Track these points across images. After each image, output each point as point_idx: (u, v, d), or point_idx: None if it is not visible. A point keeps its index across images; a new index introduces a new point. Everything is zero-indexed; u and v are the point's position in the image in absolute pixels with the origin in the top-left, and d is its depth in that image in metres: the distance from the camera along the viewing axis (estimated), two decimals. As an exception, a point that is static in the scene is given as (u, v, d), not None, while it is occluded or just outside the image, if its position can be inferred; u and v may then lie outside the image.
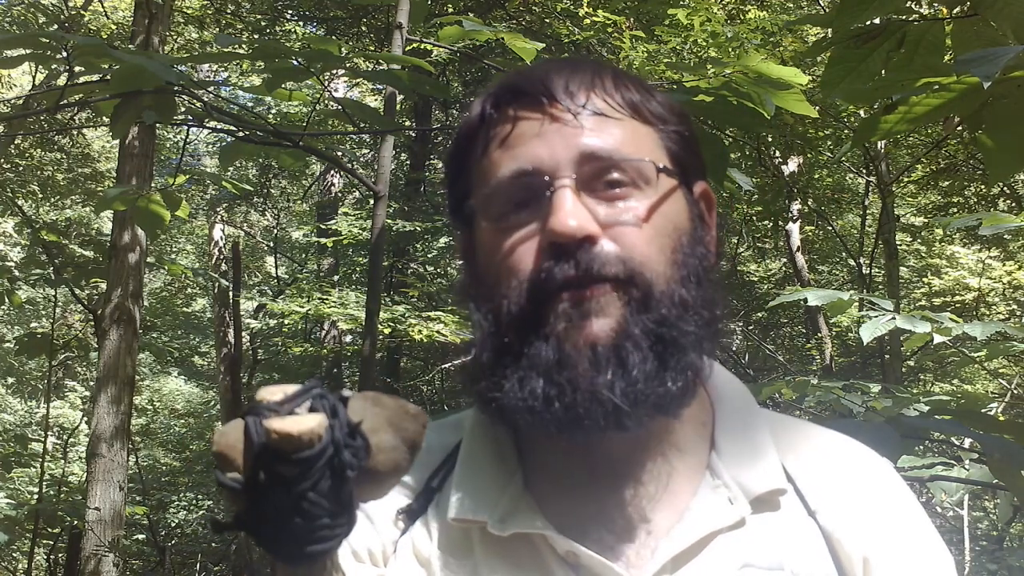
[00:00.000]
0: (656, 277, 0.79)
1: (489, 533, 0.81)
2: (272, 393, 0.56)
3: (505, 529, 0.81)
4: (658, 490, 0.82)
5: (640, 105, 0.84)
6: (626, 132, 0.82)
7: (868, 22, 1.89)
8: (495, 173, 0.82)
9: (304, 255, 14.82)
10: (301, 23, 11.64)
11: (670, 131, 0.86)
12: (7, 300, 6.57)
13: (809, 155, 8.88)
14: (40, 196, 12.62)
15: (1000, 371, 8.66)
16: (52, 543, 9.93)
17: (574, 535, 0.80)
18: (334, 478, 0.55)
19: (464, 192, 0.87)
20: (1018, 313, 10.52)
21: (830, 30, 1.99)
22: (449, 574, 0.82)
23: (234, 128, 2.70)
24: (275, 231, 15.14)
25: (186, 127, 3.29)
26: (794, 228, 9.91)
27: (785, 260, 11.30)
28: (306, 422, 0.54)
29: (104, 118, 2.47)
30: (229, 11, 11.04)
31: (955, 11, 1.91)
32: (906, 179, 10.17)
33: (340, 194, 13.39)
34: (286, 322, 10.50)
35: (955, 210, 9.80)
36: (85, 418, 9.78)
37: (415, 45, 3.11)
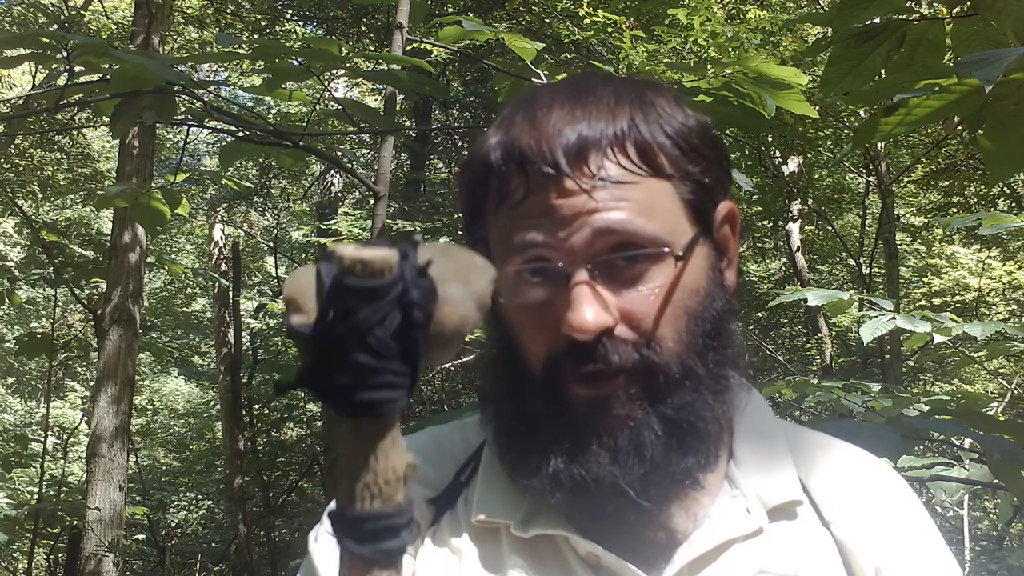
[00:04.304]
0: (672, 360, 0.79)
1: (512, 534, 0.83)
2: (343, 246, 0.55)
3: (527, 531, 0.82)
4: (677, 497, 0.84)
5: (656, 155, 0.80)
6: (641, 200, 0.79)
7: (868, 21, 1.89)
8: (508, 241, 0.81)
9: (304, 255, 14.81)
10: (301, 23, 11.64)
11: (688, 180, 0.82)
12: (7, 300, 6.57)
13: (809, 155, 8.88)
14: (40, 196, 12.61)
15: (1000, 371, 8.65)
16: (52, 543, 9.93)
17: (595, 538, 0.81)
18: (403, 318, 0.53)
19: (481, 237, 0.86)
20: (1018, 313, 10.52)
21: (830, 29, 1.99)
22: (479, 564, 0.84)
23: (234, 128, 2.70)
24: (275, 231, 15.13)
25: (186, 127, 3.29)
26: (794, 228, 9.91)
27: (785, 260, 11.30)
28: (379, 252, 0.53)
29: (104, 118, 2.47)
30: (229, 11, 11.04)
31: (955, 11, 1.91)
32: (906, 179, 10.17)
33: (340, 194, 13.38)
34: (286, 322, 10.48)
35: (955, 210, 9.80)
36: (85, 418, 9.78)
37: (415, 45, 3.11)
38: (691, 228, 0.82)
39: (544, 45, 2.69)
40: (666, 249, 0.79)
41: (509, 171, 0.81)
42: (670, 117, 0.82)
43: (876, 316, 2.98)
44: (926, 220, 11.53)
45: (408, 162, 11.51)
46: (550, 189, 0.78)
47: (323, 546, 0.88)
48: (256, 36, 10.47)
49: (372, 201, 2.83)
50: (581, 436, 0.79)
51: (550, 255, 0.79)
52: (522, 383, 0.82)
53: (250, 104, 8.56)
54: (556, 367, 0.80)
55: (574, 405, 0.79)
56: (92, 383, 8.67)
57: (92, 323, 7.35)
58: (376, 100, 11.46)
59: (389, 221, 8.28)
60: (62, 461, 11.00)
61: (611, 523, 0.82)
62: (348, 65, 2.51)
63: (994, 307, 10.60)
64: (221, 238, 14.44)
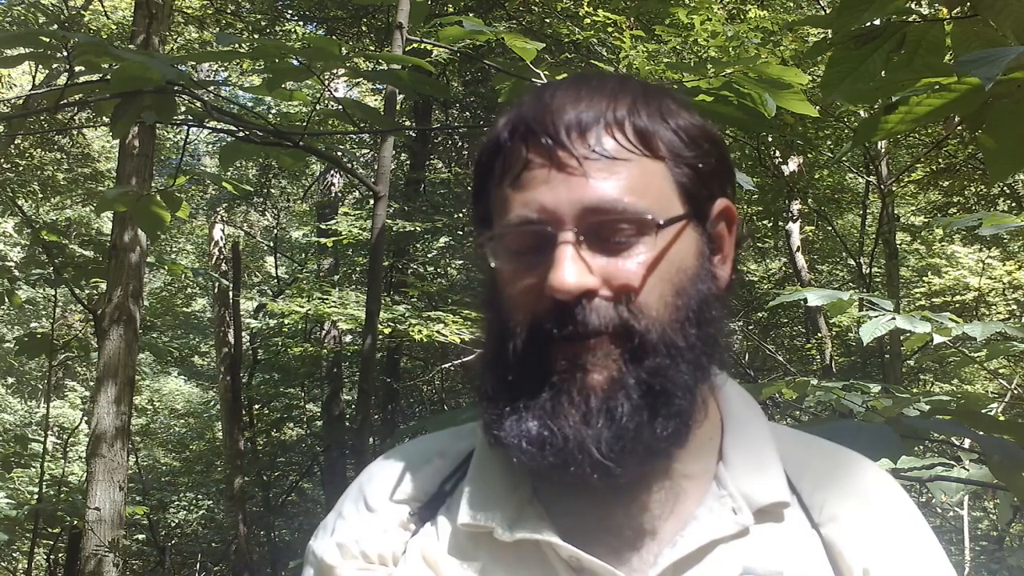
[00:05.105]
0: (651, 325, 0.81)
1: (496, 539, 0.83)
2: None
3: (511, 535, 0.83)
4: (664, 499, 0.84)
5: (652, 138, 0.84)
6: (633, 175, 0.82)
7: (868, 23, 1.89)
8: (506, 213, 0.84)
9: (304, 255, 14.82)
10: (301, 23, 11.64)
11: (683, 163, 0.85)
12: (7, 300, 6.57)
13: (809, 155, 8.88)
14: (40, 196, 12.62)
15: (1000, 371, 8.65)
16: (52, 543, 9.94)
17: (579, 541, 0.82)
18: None
19: (485, 215, 0.89)
20: (1018, 313, 10.52)
21: (830, 31, 1.99)
22: (454, 574, 0.84)
23: (234, 128, 2.70)
24: (275, 231, 15.14)
25: (186, 127, 3.29)
26: (794, 228, 9.92)
27: (785, 260, 11.30)
28: None
29: (104, 118, 2.47)
30: (229, 11, 11.05)
31: (955, 12, 1.91)
32: (906, 179, 10.17)
33: (340, 194, 13.39)
34: (286, 322, 10.49)
35: (955, 210, 9.80)
36: (85, 418, 9.78)
37: (415, 45, 3.11)
38: (681, 208, 0.85)
39: (544, 45, 2.70)
40: (649, 216, 0.81)
41: (514, 144, 0.85)
42: (673, 113, 0.86)
43: (876, 316, 2.98)
44: (926, 220, 11.53)
45: (408, 162, 11.51)
46: (547, 159, 0.82)
47: (309, 566, 0.91)
48: (256, 36, 10.47)
49: (372, 201, 2.84)
50: (556, 397, 0.80)
51: (540, 220, 0.82)
52: (508, 352, 0.83)
53: (250, 104, 8.56)
54: (539, 330, 0.81)
55: (553, 368, 0.81)
56: (92, 383, 8.67)
57: (92, 323, 7.35)
58: (376, 100, 11.47)
59: (389, 221, 8.27)
60: (62, 461, 11.00)
61: (596, 525, 0.83)
62: (348, 65, 2.50)
63: (994, 307, 10.60)
64: (221, 238, 14.44)
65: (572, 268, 0.79)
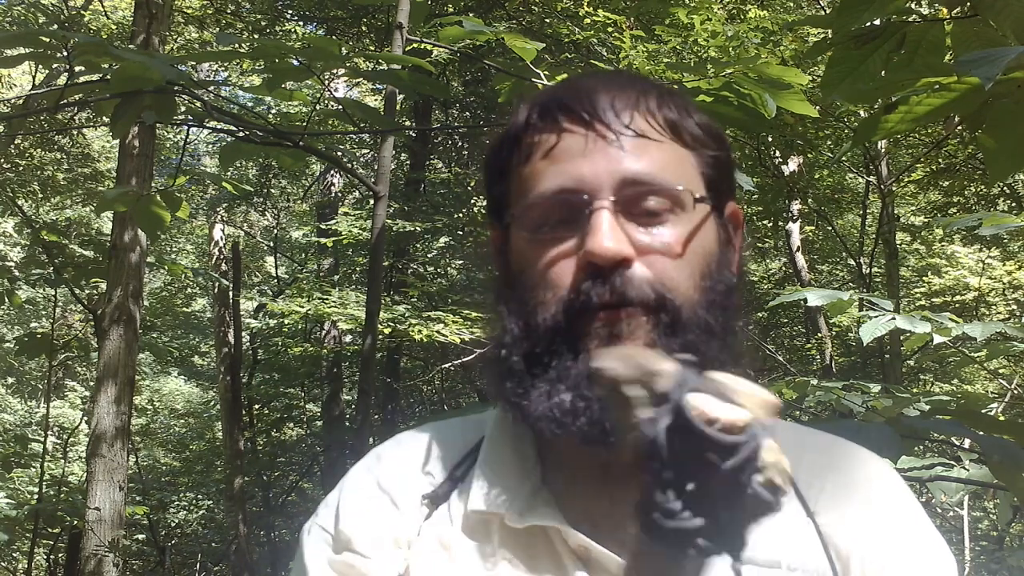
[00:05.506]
0: (684, 302, 0.83)
1: (507, 525, 0.85)
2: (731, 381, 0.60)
3: (522, 522, 0.84)
4: None
5: (680, 127, 0.87)
6: (666, 156, 0.86)
7: (868, 23, 1.89)
8: (537, 185, 0.86)
9: (304, 255, 14.82)
10: (301, 23, 11.64)
11: (707, 155, 0.88)
12: (7, 300, 6.57)
13: (809, 155, 8.88)
14: (40, 196, 12.62)
15: (1000, 371, 8.65)
16: (52, 543, 9.94)
17: (587, 530, 0.83)
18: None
19: (502, 195, 0.90)
20: (1018, 313, 10.52)
21: (830, 31, 1.99)
22: (468, 558, 0.85)
23: (234, 128, 2.70)
24: (275, 231, 15.14)
25: (186, 127, 3.29)
26: (794, 228, 9.92)
27: (785, 260, 11.30)
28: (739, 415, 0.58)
29: (104, 118, 2.47)
30: (229, 11, 11.05)
31: (955, 12, 1.91)
32: (906, 179, 10.17)
33: (340, 194, 13.38)
34: (286, 322, 10.49)
35: (955, 210, 9.80)
36: (85, 418, 9.78)
37: (415, 45, 3.12)
38: (707, 194, 0.88)
39: (544, 45, 2.70)
40: (680, 187, 0.84)
41: (546, 121, 0.87)
42: (695, 110, 0.90)
43: (876, 316, 2.98)
44: (926, 220, 11.54)
45: (408, 162, 11.51)
46: (583, 134, 0.85)
47: (315, 540, 0.90)
48: (256, 36, 10.47)
49: (372, 201, 2.84)
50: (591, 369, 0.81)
51: (577, 189, 0.83)
52: (538, 325, 0.84)
53: (250, 104, 8.56)
54: (573, 299, 0.82)
55: (588, 336, 0.81)
56: (92, 383, 8.66)
57: (92, 323, 7.35)
58: (376, 100, 11.46)
59: (389, 221, 8.27)
60: (62, 461, 11.00)
61: (602, 517, 0.84)
62: (348, 65, 2.50)
63: (994, 307, 10.60)
64: (221, 238, 14.43)
65: (611, 233, 0.81)
